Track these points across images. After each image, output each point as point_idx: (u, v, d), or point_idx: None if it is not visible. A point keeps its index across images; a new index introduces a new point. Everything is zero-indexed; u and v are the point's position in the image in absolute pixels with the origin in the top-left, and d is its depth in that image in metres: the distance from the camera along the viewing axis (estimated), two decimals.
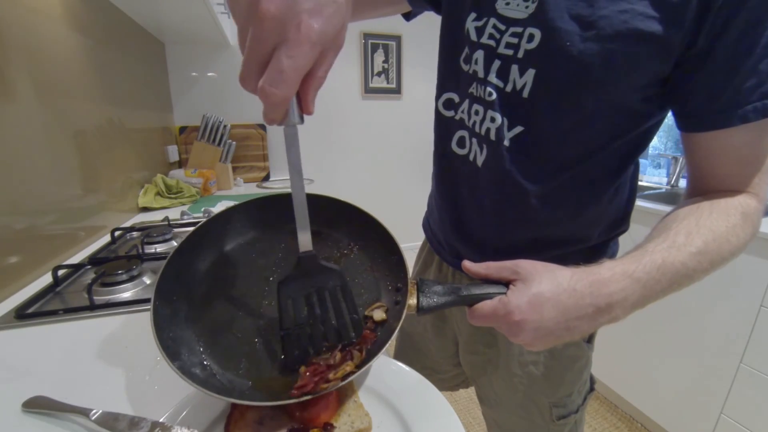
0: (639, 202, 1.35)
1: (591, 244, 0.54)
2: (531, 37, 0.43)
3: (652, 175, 1.99)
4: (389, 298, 0.44)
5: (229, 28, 1.68)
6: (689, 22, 0.37)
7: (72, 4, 0.91)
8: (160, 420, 0.35)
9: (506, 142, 0.47)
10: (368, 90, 2.99)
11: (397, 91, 3.09)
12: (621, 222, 0.57)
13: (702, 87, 0.39)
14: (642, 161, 2.02)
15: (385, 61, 2.96)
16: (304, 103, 0.30)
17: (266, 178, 1.86)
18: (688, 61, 0.39)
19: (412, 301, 0.39)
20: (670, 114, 0.46)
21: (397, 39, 2.90)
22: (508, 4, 0.45)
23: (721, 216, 0.40)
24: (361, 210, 0.48)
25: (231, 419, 0.35)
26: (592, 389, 0.63)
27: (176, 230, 1.03)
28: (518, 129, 0.46)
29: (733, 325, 1.12)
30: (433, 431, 0.35)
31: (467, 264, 0.41)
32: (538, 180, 0.48)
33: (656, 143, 2.13)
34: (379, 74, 3.00)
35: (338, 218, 0.49)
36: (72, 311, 0.58)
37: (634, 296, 0.37)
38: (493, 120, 0.47)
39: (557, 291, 0.36)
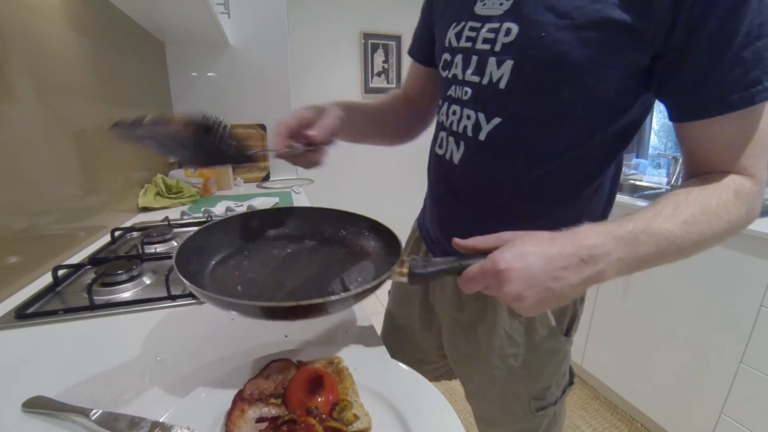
0: (638, 202, 1.35)
1: None
2: (508, 31, 0.45)
3: (652, 175, 1.99)
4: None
5: (229, 28, 1.68)
6: (662, 12, 0.38)
7: (72, 4, 0.91)
8: (160, 420, 0.35)
9: (482, 137, 0.49)
10: (368, 90, 2.99)
11: None
12: None
13: (687, 78, 0.40)
14: (642, 161, 2.02)
15: (385, 61, 2.96)
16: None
17: (266, 178, 1.86)
18: (670, 53, 0.40)
19: (404, 269, 0.41)
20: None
21: (397, 39, 2.90)
22: (484, 4, 0.48)
23: (712, 192, 0.40)
24: (360, 215, 0.54)
25: (231, 418, 0.35)
26: (571, 382, 0.64)
27: (176, 230, 1.03)
28: (496, 121, 0.48)
29: (733, 325, 1.12)
30: (432, 431, 0.35)
31: (456, 240, 0.42)
32: (513, 175, 0.49)
33: (656, 143, 2.13)
34: (379, 74, 3.00)
35: (343, 223, 0.56)
36: (72, 311, 0.58)
37: (618, 252, 0.37)
38: (468, 117, 0.50)
39: (540, 244, 0.38)
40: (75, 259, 0.82)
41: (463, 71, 0.50)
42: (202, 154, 0.50)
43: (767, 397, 1.06)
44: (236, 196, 1.51)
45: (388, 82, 3.06)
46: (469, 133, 0.50)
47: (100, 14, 1.07)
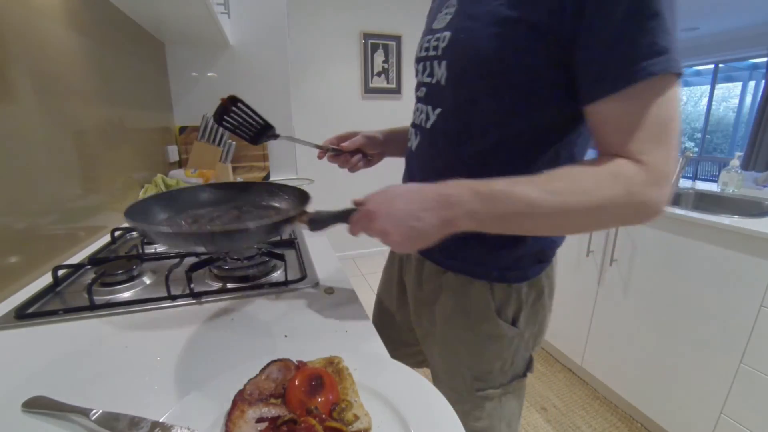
0: None
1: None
2: (444, 38, 0.54)
3: None
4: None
5: (229, 28, 1.68)
6: (548, 5, 0.43)
7: (72, 4, 0.91)
8: (160, 420, 0.35)
9: (428, 125, 0.58)
10: (368, 90, 2.99)
11: (397, 91, 3.09)
12: None
13: (581, 66, 0.44)
14: None
15: (385, 61, 2.96)
16: None
17: (266, 178, 1.86)
18: (564, 43, 0.44)
19: (304, 217, 0.52)
20: None
21: (397, 39, 2.90)
22: (437, 20, 0.57)
23: (589, 171, 0.44)
24: (281, 184, 0.67)
25: (231, 418, 0.35)
26: (525, 374, 0.66)
27: None
28: (438, 111, 0.56)
29: (733, 325, 1.12)
30: (432, 431, 0.35)
31: (354, 199, 0.51)
32: (450, 159, 0.55)
33: None
34: (379, 74, 3.00)
35: (266, 190, 0.68)
36: (72, 311, 0.58)
37: (472, 205, 0.44)
38: (423, 111, 0.59)
39: (407, 189, 0.47)
40: (75, 259, 0.82)
41: (422, 75, 0.59)
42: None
43: (767, 397, 1.06)
44: None
45: (388, 82, 3.06)
46: (422, 124, 0.59)
47: (100, 14, 1.07)
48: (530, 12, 0.44)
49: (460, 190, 0.45)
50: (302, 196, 0.61)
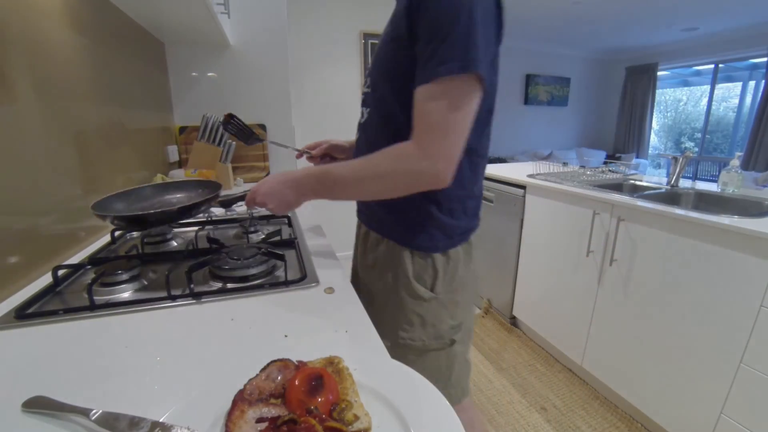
0: (638, 202, 1.35)
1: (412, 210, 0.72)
2: (375, 55, 0.73)
3: (652, 175, 1.99)
4: None
5: (229, 28, 1.68)
6: (403, 24, 0.61)
7: (72, 4, 0.91)
8: (160, 420, 0.35)
9: (362, 121, 0.76)
10: None
11: None
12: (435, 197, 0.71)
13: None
14: (642, 161, 2.02)
15: None
16: None
17: None
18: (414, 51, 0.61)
19: (218, 201, 0.85)
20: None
21: None
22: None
23: (382, 152, 0.62)
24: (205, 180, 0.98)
25: (231, 418, 0.35)
26: (452, 342, 0.78)
27: (176, 230, 1.03)
28: (367, 110, 0.74)
29: (733, 325, 1.12)
30: (432, 431, 0.35)
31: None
32: (372, 147, 0.66)
33: (656, 143, 2.13)
34: None
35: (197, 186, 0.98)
36: (72, 311, 0.58)
37: (312, 186, 0.69)
38: (362, 113, 0.76)
39: (278, 175, 0.73)
40: (75, 259, 0.83)
41: (364, 87, 0.77)
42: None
43: (767, 397, 1.06)
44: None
45: None
46: (361, 121, 0.77)
47: (100, 14, 1.07)
48: (396, 31, 0.63)
49: (306, 174, 0.69)
50: (215, 187, 0.91)
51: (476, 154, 0.70)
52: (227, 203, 0.91)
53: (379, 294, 0.78)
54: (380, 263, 0.77)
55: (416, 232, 0.72)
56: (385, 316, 0.76)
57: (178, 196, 0.96)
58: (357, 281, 0.87)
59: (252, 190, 0.73)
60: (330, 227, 1.07)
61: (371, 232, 0.80)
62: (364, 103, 0.76)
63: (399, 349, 0.76)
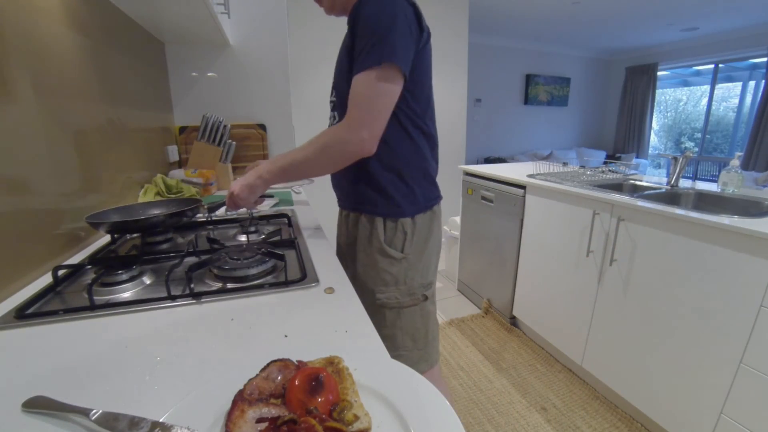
0: (638, 202, 1.35)
1: (382, 186, 0.87)
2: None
3: (652, 175, 1.99)
4: None
5: (229, 28, 1.68)
6: (350, 37, 0.78)
7: (72, 4, 0.91)
8: (160, 420, 0.35)
9: (333, 122, 0.89)
10: None
11: None
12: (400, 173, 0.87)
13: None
14: (642, 161, 2.02)
15: None
16: None
17: None
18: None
19: (203, 207, 1.01)
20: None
21: None
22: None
23: (322, 132, 0.80)
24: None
25: (231, 418, 0.35)
26: (425, 298, 0.92)
27: (176, 231, 1.03)
28: (335, 114, 0.90)
29: (733, 325, 1.12)
30: (432, 431, 0.35)
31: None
32: None
33: (656, 143, 2.14)
34: None
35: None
36: (72, 311, 0.58)
37: (271, 175, 0.84)
38: (332, 116, 0.92)
39: (247, 174, 0.88)
40: (75, 259, 0.82)
41: (330, 96, 0.92)
42: None
43: (767, 397, 1.06)
44: None
45: None
46: (332, 123, 0.91)
47: (100, 14, 1.07)
48: (346, 41, 0.79)
49: (268, 163, 0.86)
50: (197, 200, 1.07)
51: (421, 130, 0.86)
52: (212, 208, 1.01)
53: (360, 264, 0.91)
54: (360, 236, 0.90)
55: (386, 201, 0.86)
56: (366, 282, 0.89)
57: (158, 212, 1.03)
58: (342, 255, 1.01)
59: (228, 195, 0.86)
60: (330, 227, 1.06)
61: (350, 213, 0.93)
62: (333, 109, 0.91)
63: (378, 310, 0.88)
